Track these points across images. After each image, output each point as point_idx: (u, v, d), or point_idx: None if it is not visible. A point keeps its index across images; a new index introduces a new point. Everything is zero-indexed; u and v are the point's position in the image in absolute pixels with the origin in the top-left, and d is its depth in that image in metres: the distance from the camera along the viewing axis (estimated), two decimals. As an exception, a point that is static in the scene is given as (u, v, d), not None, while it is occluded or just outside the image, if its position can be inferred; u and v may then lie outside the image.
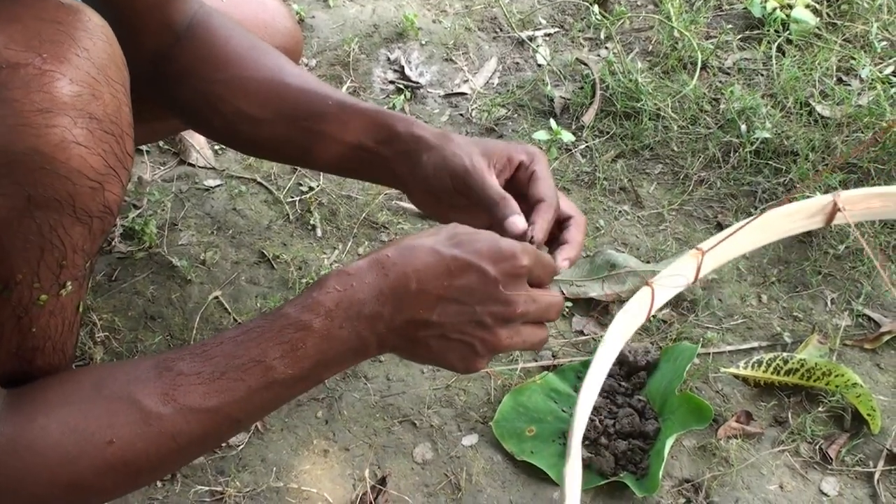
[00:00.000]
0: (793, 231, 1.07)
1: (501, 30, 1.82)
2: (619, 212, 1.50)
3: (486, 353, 0.87)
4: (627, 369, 1.27)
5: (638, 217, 1.49)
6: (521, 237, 0.90)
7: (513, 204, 0.92)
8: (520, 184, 0.96)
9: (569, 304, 1.35)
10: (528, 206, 0.95)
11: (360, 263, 0.83)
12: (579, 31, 1.81)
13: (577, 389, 1.22)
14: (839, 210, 1.04)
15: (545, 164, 0.97)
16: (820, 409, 1.24)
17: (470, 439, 1.21)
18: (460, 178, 0.93)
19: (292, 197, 1.50)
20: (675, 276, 0.99)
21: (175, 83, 1.04)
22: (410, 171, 0.97)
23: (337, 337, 0.82)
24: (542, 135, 1.53)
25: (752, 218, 1.00)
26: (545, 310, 0.88)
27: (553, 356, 1.30)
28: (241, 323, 0.85)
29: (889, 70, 1.68)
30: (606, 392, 1.25)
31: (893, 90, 1.60)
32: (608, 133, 1.61)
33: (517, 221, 0.90)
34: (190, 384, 0.79)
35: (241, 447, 1.19)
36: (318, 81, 1.04)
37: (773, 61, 1.70)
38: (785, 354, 1.25)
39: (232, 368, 0.79)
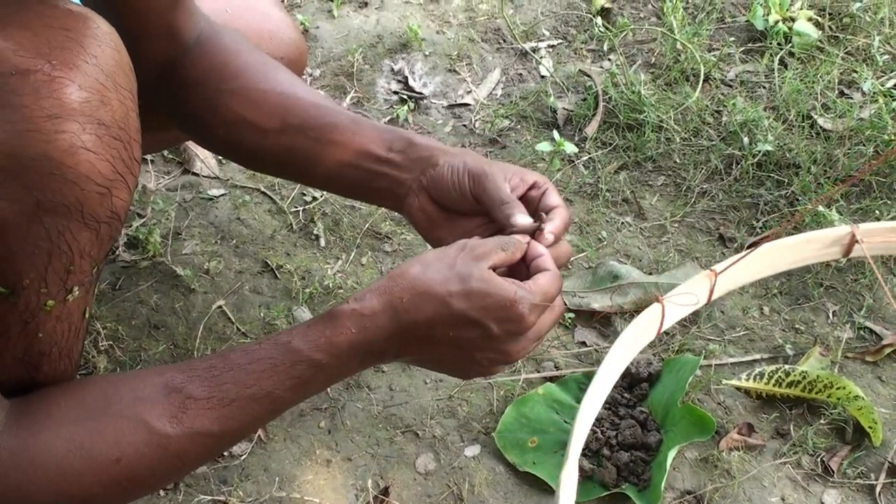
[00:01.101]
0: (809, 261, 1.06)
1: (505, 41, 1.83)
2: (622, 223, 1.50)
3: (478, 375, 0.94)
4: (630, 381, 1.27)
5: (640, 229, 1.49)
6: (526, 232, 0.93)
7: (521, 206, 0.95)
8: (530, 201, 0.98)
9: (571, 315, 1.35)
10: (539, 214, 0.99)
11: (375, 305, 0.85)
12: (582, 42, 1.82)
13: (579, 401, 1.22)
14: (857, 242, 1.03)
15: (555, 189, 1.01)
16: (821, 421, 1.24)
17: (472, 450, 1.21)
18: (478, 180, 0.96)
19: (296, 207, 1.50)
20: (687, 295, 0.99)
21: (181, 92, 1.05)
22: (418, 178, 0.98)
23: (345, 368, 0.88)
24: (544, 146, 1.53)
25: (766, 238, 0.99)
26: (542, 338, 0.92)
27: (555, 367, 1.30)
28: (247, 344, 0.87)
29: (891, 83, 1.68)
30: (609, 403, 1.25)
31: (895, 103, 1.60)
32: (611, 145, 1.61)
33: (522, 219, 0.93)
34: (199, 408, 0.82)
35: (243, 457, 1.19)
36: (329, 98, 1.06)
37: (776, 74, 1.71)
38: (787, 367, 1.25)
39: (242, 398, 0.83)
